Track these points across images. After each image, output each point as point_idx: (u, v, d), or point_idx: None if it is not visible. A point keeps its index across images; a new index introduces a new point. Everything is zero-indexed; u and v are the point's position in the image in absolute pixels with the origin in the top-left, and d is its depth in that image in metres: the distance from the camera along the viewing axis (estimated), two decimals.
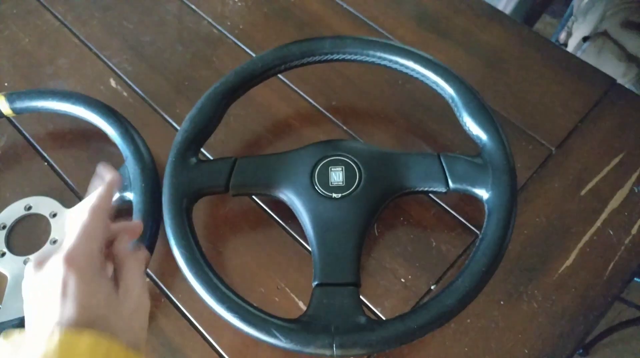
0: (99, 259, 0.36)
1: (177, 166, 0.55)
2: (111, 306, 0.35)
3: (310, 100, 0.69)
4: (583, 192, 0.60)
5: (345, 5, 0.76)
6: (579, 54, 0.96)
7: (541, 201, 0.60)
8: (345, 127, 0.66)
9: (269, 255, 0.59)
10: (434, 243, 0.58)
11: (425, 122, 0.66)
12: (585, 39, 0.95)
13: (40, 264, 0.35)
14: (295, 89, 0.69)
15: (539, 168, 0.62)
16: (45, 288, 0.34)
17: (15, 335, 0.36)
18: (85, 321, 0.33)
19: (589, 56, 0.93)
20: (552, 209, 0.59)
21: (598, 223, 0.58)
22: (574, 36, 1.01)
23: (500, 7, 1.11)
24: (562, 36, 1.05)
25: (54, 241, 0.61)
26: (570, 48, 1.02)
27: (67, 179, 0.65)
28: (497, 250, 0.48)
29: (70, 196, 0.64)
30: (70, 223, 0.38)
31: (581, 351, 1.26)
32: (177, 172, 0.54)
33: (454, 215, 0.59)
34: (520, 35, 0.72)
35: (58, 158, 0.66)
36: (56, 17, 0.77)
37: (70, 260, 0.34)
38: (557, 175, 0.61)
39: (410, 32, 0.73)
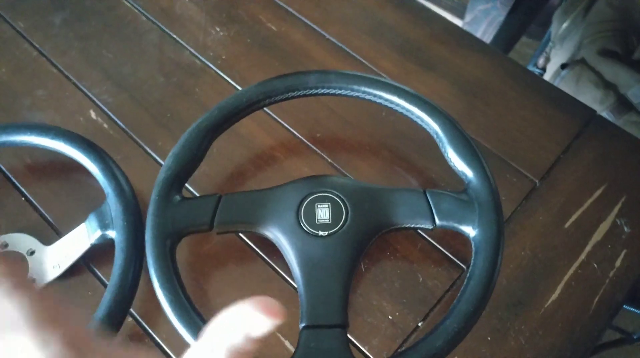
0: None
1: (160, 205, 0.54)
2: None
3: (294, 132, 0.68)
4: (567, 225, 0.61)
5: (327, 36, 0.76)
6: (557, 81, 0.97)
7: (526, 234, 0.60)
8: (329, 160, 0.66)
9: (254, 291, 0.58)
10: (421, 279, 0.58)
11: (410, 155, 0.66)
12: (563, 66, 0.97)
13: None
14: (279, 120, 0.69)
15: (524, 201, 0.62)
16: None
17: None
18: None
19: (568, 83, 0.95)
20: (537, 243, 0.60)
21: (582, 256, 0.59)
22: (552, 62, 1.03)
23: (478, 34, 1.12)
24: (541, 61, 1.07)
25: (32, 280, 0.59)
26: (548, 73, 1.04)
27: (46, 215, 0.63)
28: (485, 290, 0.48)
29: (49, 232, 0.62)
30: None
31: None
32: (161, 211, 0.53)
33: (440, 250, 0.59)
34: (502, 67, 0.73)
35: (36, 192, 0.64)
36: (34, 46, 0.76)
37: None
38: (541, 208, 0.62)
39: (392, 63, 0.74)
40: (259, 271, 0.59)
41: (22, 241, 0.61)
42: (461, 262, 0.59)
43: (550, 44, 1.05)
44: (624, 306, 0.90)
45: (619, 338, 1.00)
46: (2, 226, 0.62)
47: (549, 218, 0.61)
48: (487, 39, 1.09)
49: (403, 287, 0.58)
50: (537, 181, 0.64)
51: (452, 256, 0.59)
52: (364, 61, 0.74)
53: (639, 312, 0.91)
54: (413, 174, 0.65)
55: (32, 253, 0.61)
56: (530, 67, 1.11)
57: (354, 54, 0.74)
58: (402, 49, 0.75)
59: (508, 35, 1.05)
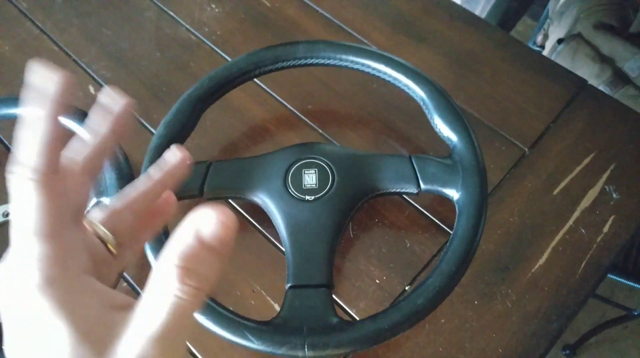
0: (85, 270, 0.25)
1: None
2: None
3: (286, 104, 0.69)
4: (555, 192, 0.61)
5: (321, 11, 0.77)
6: (554, 56, 0.97)
7: (514, 201, 0.61)
8: (320, 131, 0.67)
9: (245, 258, 0.59)
10: (408, 244, 0.59)
11: (399, 125, 0.66)
12: (559, 41, 0.96)
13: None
14: (271, 92, 0.70)
15: (512, 168, 0.62)
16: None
17: None
18: None
19: (564, 58, 0.94)
20: (525, 209, 0.60)
21: (570, 222, 0.59)
22: (550, 38, 1.02)
23: (477, 11, 1.12)
24: (539, 39, 1.06)
25: None
26: (546, 50, 1.03)
27: None
28: (467, 250, 0.49)
29: None
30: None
31: (568, 352, 1.26)
32: None
33: (428, 216, 0.60)
34: (494, 38, 0.73)
35: None
36: (36, 24, 0.78)
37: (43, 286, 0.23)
38: (530, 175, 0.62)
39: (384, 36, 0.74)
40: (249, 238, 0.60)
41: None
42: (448, 228, 0.59)
43: (548, 20, 1.05)
44: (622, 280, 0.90)
45: (620, 315, 0.99)
46: (5, 196, 0.64)
47: (538, 185, 0.61)
48: (483, 15, 1.09)
49: (390, 252, 0.58)
50: (526, 150, 0.64)
51: (439, 223, 0.60)
52: (355, 34, 0.74)
53: (637, 286, 0.90)
54: (402, 143, 0.65)
55: None
56: (530, 46, 1.10)
57: (346, 27, 0.75)
58: (394, 22, 0.75)
59: (504, 11, 1.05)
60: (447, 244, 0.50)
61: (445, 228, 0.59)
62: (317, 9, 0.77)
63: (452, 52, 0.72)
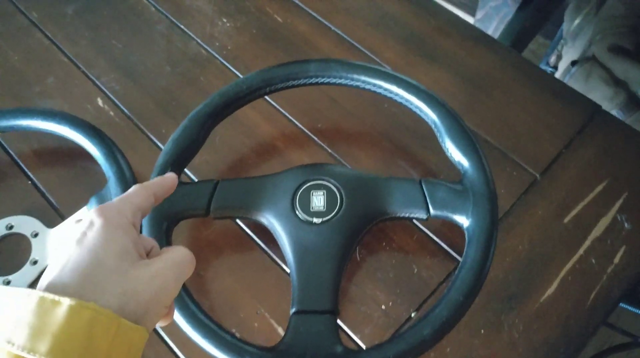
0: (130, 220, 0.35)
1: None
2: (122, 267, 0.32)
3: (296, 122, 0.69)
4: (566, 219, 0.60)
5: (333, 28, 0.77)
6: (567, 78, 0.96)
7: (524, 228, 0.60)
8: (330, 150, 0.66)
9: (250, 278, 0.59)
10: (416, 269, 0.58)
11: (410, 146, 0.66)
12: (573, 63, 0.95)
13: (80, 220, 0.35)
14: (281, 110, 0.70)
15: (523, 194, 0.62)
16: (69, 236, 0.33)
17: None
18: (77, 280, 0.30)
19: (577, 80, 0.93)
20: (535, 237, 0.59)
21: (581, 251, 0.58)
22: (564, 59, 1.01)
23: (490, 31, 1.11)
24: (552, 59, 1.05)
25: (35, 262, 0.61)
26: (559, 71, 1.02)
27: (50, 198, 0.65)
28: (476, 279, 0.48)
29: (53, 215, 0.63)
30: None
31: None
32: None
33: (436, 241, 0.59)
34: (507, 60, 0.72)
35: (42, 177, 0.66)
36: (46, 35, 0.78)
37: (101, 211, 0.33)
38: (540, 202, 0.61)
39: (396, 54, 0.74)
40: (255, 258, 0.60)
41: (26, 223, 0.63)
42: (457, 254, 0.58)
43: (562, 41, 1.04)
44: (631, 308, 0.88)
45: (625, 342, 0.98)
46: (9, 208, 0.63)
47: (549, 212, 0.60)
48: (496, 35, 1.08)
49: (397, 277, 0.58)
50: (537, 175, 0.63)
51: (447, 248, 0.59)
52: (367, 52, 0.74)
53: None
54: (412, 165, 0.65)
55: (36, 235, 0.62)
56: (543, 66, 1.09)
57: (358, 45, 0.75)
58: (406, 41, 0.75)
59: (517, 31, 1.04)
60: (456, 273, 0.49)
61: (454, 253, 0.58)
62: (330, 25, 0.77)
63: (464, 73, 0.72)
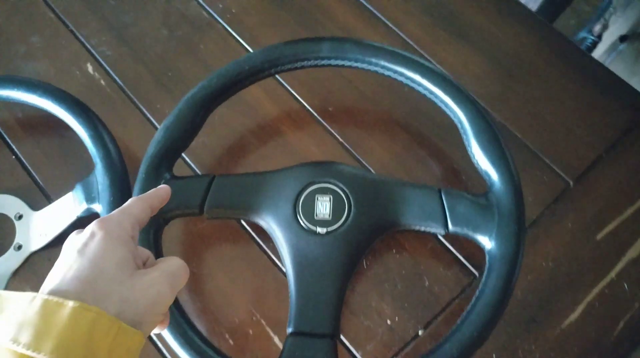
0: (129, 233, 0.37)
1: (148, 183, 0.50)
2: (121, 276, 0.34)
3: (304, 103, 0.62)
4: (599, 236, 0.54)
5: None
6: (613, 56, 0.86)
7: (551, 242, 0.54)
8: (340, 139, 0.59)
9: (246, 278, 0.54)
10: (427, 282, 0.53)
11: (431, 139, 0.59)
12: (622, 38, 0.85)
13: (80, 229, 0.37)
14: (289, 88, 0.62)
15: (553, 204, 0.55)
16: (70, 246, 0.35)
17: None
18: (79, 287, 0.32)
19: (625, 59, 0.83)
20: (562, 254, 0.53)
21: (612, 274, 0.52)
22: (610, 30, 0.91)
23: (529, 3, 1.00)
24: (597, 28, 0.94)
25: (19, 247, 0.57)
26: (604, 44, 0.92)
27: (36, 177, 0.60)
28: (492, 314, 0.43)
29: (38, 196, 0.59)
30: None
31: None
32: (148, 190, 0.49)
33: (452, 252, 0.54)
34: (547, 41, 0.64)
35: (27, 152, 0.61)
36: None
37: (102, 223, 0.35)
38: (571, 213, 0.55)
39: (421, 28, 0.65)
40: (251, 256, 0.55)
41: (10, 204, 0.59)
42: (474, 268, 0.53)
43: (610, 9, 0.92)
44: None
45: None
46: None
47: (580, 226, 0.54)
48: (534, 6, 0.97)
49: (406, 290, 0.53)
50: (571, 182, 0.56)
51: (464, 261, 0.53)
52: (389, 23, 0.65)
53: None
54: (432, 162, 0.58)
55: (20, 217, 0.58)
56: (584, 34, 0.98)
57: (379, 14, 0.66)
58: (433, 12, 0.66)
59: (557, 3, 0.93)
60: (472, 303, 0.44)
61: (471, 267, 0.53)
62: None
63: (496, 54, 0.63)
